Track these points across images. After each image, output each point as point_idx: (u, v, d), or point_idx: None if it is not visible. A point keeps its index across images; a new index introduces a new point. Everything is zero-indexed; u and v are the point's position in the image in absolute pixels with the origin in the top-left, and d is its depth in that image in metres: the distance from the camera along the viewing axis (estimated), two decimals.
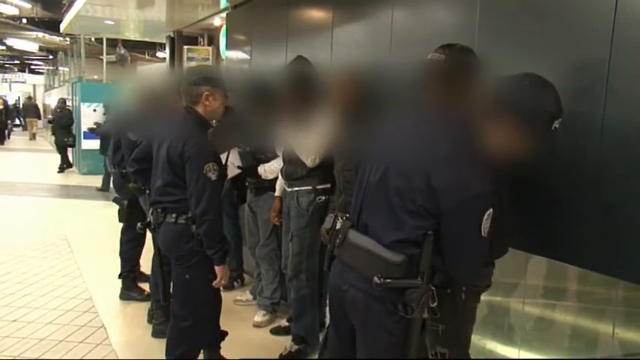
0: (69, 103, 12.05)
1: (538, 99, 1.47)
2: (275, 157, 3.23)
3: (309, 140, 2.74)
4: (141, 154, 2.75)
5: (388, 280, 1.48)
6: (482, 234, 1.45)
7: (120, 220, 3.84)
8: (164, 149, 2.40)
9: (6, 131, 17.61)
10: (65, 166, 11.08)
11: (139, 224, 2.71)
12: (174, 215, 2.43)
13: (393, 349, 1.56)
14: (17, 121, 22.09)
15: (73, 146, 11.03)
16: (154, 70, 10.95)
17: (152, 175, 2.54)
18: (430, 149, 1.51)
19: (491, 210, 1.44)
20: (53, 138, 11.17)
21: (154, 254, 2.85)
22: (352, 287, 1.60)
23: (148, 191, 2.66)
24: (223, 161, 2.53)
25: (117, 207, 3.90)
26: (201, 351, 2.72)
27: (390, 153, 1.59)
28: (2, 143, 16.53)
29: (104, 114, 8.67)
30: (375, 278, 1.47)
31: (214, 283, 2.46)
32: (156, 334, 3.24)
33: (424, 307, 1.50)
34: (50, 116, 11.12)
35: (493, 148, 1.49)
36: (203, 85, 2.40)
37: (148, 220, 2.58)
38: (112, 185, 4.57)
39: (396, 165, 1.55)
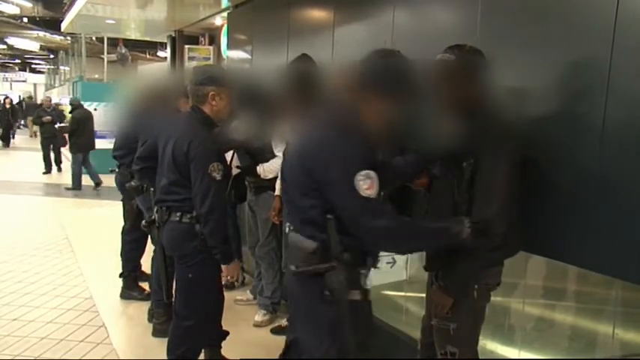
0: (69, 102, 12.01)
1: (388, 65, 1.66)
2: (273, 157, 3.23)
3: None
4: (146, 152, 2.76)
5: (304, 267, 1.63)
6: (362, 194, 1.52)
7: (125, 220, 3.85)
8: (169, 148, 2.41)
9: (11, 132, 16.92)
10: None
11: (143, 222, 2.72)
12: (178, 214, 2.43)
13: (331, 335, 1.63)
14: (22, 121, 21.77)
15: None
16: (155, 69, 10.96)
17: (157, 174, 2.55)
18: (304, 136, 1.72)
19: (368, 172, 1.53)
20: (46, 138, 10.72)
21: (155, 253, 2.85)
22: (291, 283, 1.74)
23: (152, 189, 2.67)
24: (228, 161, 2.53)
25: (118, 206, 3.91)
26: (202, 350, 2.72)
27: (288, 154, 1.78)
28: (8, 145, 15.94)
29: (70, 112, 8.76)
30: (292, 266, 1.65)
31: (222, 275, 2.48)
32: (156, 333, 3.24)
33: (352, 289, 1.61)
34: (52, 119, 10.61)
35: (372, 116, 1.63)
36: (209, 85, 2.40)
37: (153, 218, 2.59)
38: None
39: (290, 161, 1.74)
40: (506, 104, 1.94)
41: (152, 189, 2.73)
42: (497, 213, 1.70)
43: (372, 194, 1.53)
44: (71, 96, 12.08)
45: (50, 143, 10.55)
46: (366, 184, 1.52)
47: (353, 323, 1.60)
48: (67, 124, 9.02)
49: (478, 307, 1.87)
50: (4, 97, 17.97)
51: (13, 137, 17.30)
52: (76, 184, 8.75)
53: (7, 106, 16.39)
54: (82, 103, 8.65)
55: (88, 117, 8.83)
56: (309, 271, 1.62)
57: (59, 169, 10.89)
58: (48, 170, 10.68)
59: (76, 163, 8.77)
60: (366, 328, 1.70)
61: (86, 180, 8.81)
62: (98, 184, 8.76)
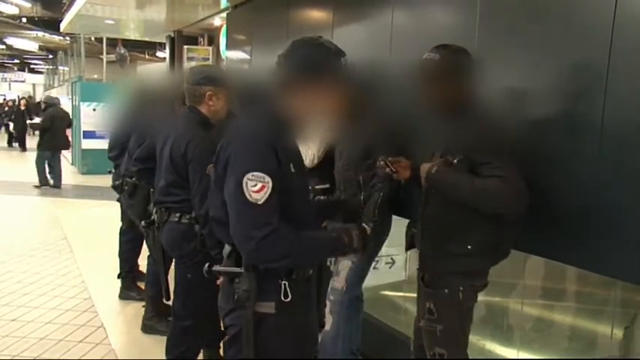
0: (68, 102, 11.98)
1: (311, 54, 1.50)
2: None
3: (309, 140, 2.74)
4: (144, 153, 2.76)
5: (213, 268, 1.58)
6: (247, 196, 1.37)
7: (122, 221, 3.84)
8: (167, 149, 2.40)
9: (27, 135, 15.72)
10: None
11: (142, 222, 2.72)
12: (177, 215, 2.43)
13: (241, 344, 1.50)
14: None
15: None
16: (154, 69, 10.95)
17: (156, 175, 2.55)
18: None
19: (263, 175, 1.38)
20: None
21: (151, 254, 2.84)
22: None
23: (152, 189, 2.67)
24: None
25: (117, 206, 3.90)
26: (201, 350, 2.72)
27: None
28: (24, 149, 14.91)
29: (43, 110, 8.80)
30: (206, 266, 1.60)
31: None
32: (145, 329, 3.26)
33: (263, 300, 1.47)
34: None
35: (303, 109, 1.52)
36: (206, 85, 2.40)
37: (152, 217, 2.59)
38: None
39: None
40: (498, 104, 1.95)
41: (152, 189, 2.74)
42: (523, 188, 1.68)
43: (259, 199, 1.37)
44: (70, 96, 12.07)
45: None
46: (256, 186, 1.37)
47: (259, 336, 1.47)
48: (40, 122, 9.08)
49: (464, 308, 1.86)
50: (19, 97, 17.36)
51: (16, 141, 16.62)
52: (43, 181, 8.83)
53: (22, 107, 15.61)
54: (58, 102, 8.79)
55: (62, 116, 8.96)
56: (219, 272, 1.58)
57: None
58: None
59: (39, 159, 8.81)
60: (275, 346, 1.51)
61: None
62: (57, 186, 8.84)
